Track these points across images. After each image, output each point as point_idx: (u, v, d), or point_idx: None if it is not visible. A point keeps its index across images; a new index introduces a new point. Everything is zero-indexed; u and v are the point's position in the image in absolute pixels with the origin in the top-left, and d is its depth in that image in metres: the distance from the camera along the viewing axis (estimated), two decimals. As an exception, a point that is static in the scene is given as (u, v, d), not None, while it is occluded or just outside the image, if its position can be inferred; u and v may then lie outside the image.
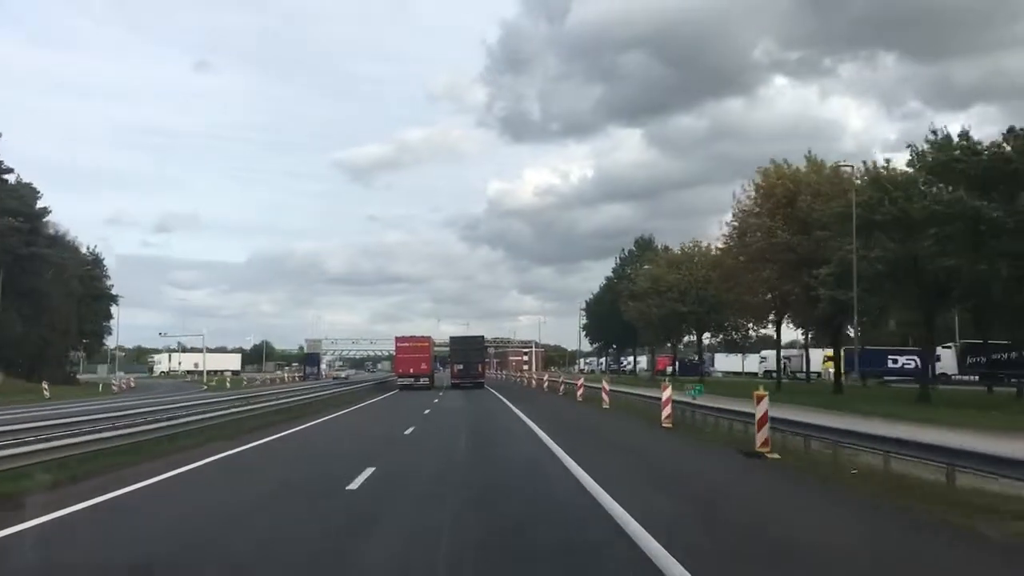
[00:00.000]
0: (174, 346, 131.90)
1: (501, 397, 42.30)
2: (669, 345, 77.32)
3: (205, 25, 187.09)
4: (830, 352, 68.17)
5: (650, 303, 56.65)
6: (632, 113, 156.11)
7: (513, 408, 31.95)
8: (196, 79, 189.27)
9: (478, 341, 65.49)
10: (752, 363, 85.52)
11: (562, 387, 46.60)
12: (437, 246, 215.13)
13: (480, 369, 59.66)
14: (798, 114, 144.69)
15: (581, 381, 41.77)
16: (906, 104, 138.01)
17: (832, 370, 62.48)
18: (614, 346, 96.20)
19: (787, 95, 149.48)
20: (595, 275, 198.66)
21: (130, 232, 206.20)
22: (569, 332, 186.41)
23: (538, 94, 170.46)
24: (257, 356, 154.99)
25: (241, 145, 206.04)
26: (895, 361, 60.64)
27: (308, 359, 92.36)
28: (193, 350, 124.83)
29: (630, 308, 59.58)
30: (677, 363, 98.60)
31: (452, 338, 66.32)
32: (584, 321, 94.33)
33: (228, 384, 69.42)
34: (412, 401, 38.60)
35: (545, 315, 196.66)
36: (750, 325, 57.21)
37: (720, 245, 46.50)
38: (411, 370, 55.62)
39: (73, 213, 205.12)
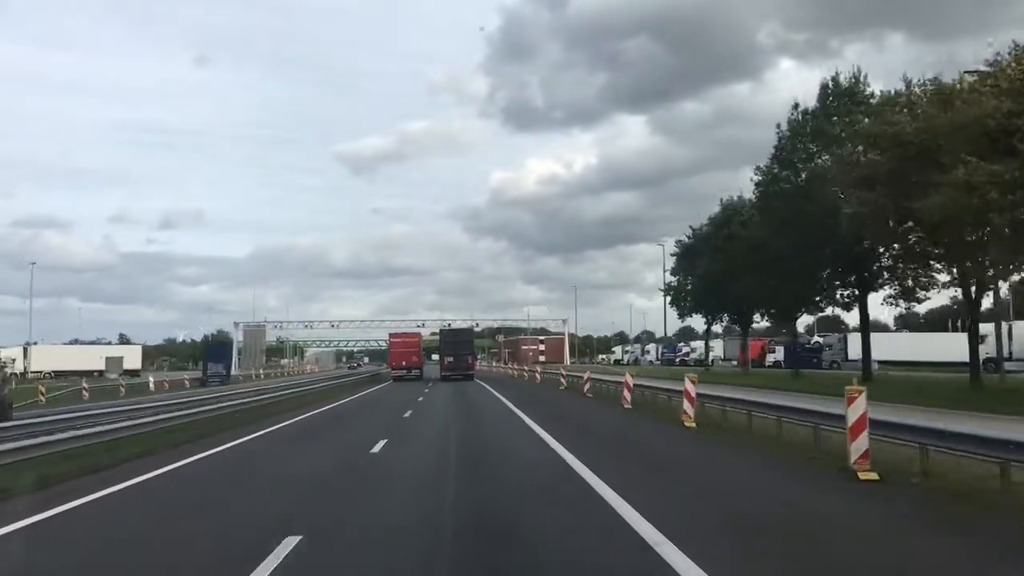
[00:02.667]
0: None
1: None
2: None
3: (204, 21, 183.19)
4: None
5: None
6: (636, 100, 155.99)
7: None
8: (196, 75, 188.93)
9: (467, 334, 65.15)
10: (933, 347, 53.36)
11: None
12: (441, 238, 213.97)
13: (470, 361, 58.08)
14: (805, 97, 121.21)
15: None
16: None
17: None
18: (725, 316, 57.54)
19: (793, 78, 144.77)
20: (600, 264, 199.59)
21: (135, 230, 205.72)
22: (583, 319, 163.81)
23: (541, 82, 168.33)
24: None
25: (242, 140, 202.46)
26: None
27: (211, 352, 59.11)
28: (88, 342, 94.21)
29: (934, 201, 19.76)
30: (782, 349, 66.94)
31: (442, 331, 66.86)
32: (671, 280, 56.80)
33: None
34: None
35: (551, 303, 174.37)
36: None
37: None
38: (403, 363, 58.64)
39: (77, 212, 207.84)
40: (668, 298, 54.32)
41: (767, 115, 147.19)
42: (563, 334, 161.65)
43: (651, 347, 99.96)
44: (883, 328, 76.75)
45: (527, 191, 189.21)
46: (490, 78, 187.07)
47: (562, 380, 35.20)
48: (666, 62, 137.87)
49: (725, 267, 40.86)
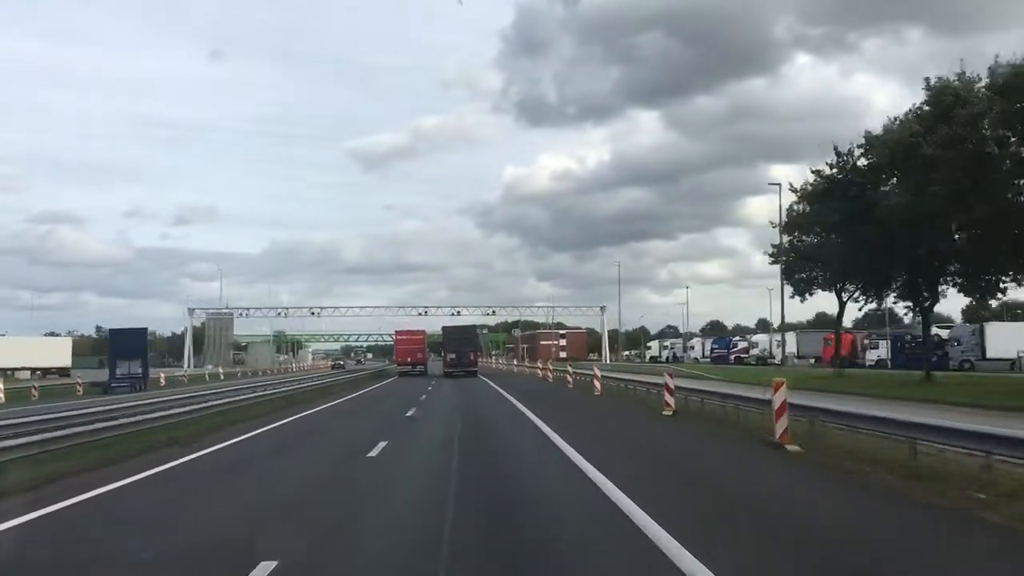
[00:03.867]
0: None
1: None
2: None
3: (217, 16, 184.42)
4: None
5: None
6: (651, 95, 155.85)
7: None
8: (209, 71, 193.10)
9: (470, 331, 64.72)
10: None
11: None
12: (453, 234, 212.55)
13: (472, 358, 56.86)
14: (821, 92, 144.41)
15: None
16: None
17: None
18: (880, 290, 35.53)
19: (809, 73, 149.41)
20: (614, 261, 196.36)
21: (149, 225, 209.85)
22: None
23: (554, 77, 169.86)
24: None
25: (256, 136, 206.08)
26: None
27: (118, 347, 41.42)
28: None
29: None
30: (887, 344, 53.20)
31: (444, 328, 66.39)
32: (779, 237, 39.70)
33: None
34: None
35: (564, 299, 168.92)
36: None
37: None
38: (408, 359, 60.87)
39: (92, 207, 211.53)
40: (780, 266, 38.76)
41: (782, 110, 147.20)
42: (582, 329, 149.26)
43: (695, 342, 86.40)
44: (946, 321, 62.53)
45: (540, 187, 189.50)
46: (504, 73, 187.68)
47: (668, 401, 20.15)
48: (681, 57, 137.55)
49: (951, 191, 25.03)
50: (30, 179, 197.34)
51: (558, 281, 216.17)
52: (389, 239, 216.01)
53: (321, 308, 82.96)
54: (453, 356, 55.44)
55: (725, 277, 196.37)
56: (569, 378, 39.71)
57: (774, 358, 64.74)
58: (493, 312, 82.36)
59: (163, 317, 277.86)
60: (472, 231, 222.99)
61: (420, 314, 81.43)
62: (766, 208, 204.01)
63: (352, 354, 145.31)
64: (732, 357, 73.27)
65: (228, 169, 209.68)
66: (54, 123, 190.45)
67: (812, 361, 61.15)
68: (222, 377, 59.41)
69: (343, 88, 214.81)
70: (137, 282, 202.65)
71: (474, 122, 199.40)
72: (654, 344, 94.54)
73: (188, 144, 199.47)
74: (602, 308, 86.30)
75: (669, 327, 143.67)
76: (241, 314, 76.54)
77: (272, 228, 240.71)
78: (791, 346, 64.68)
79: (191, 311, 77.37)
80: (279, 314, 78.99)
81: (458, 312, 79.89)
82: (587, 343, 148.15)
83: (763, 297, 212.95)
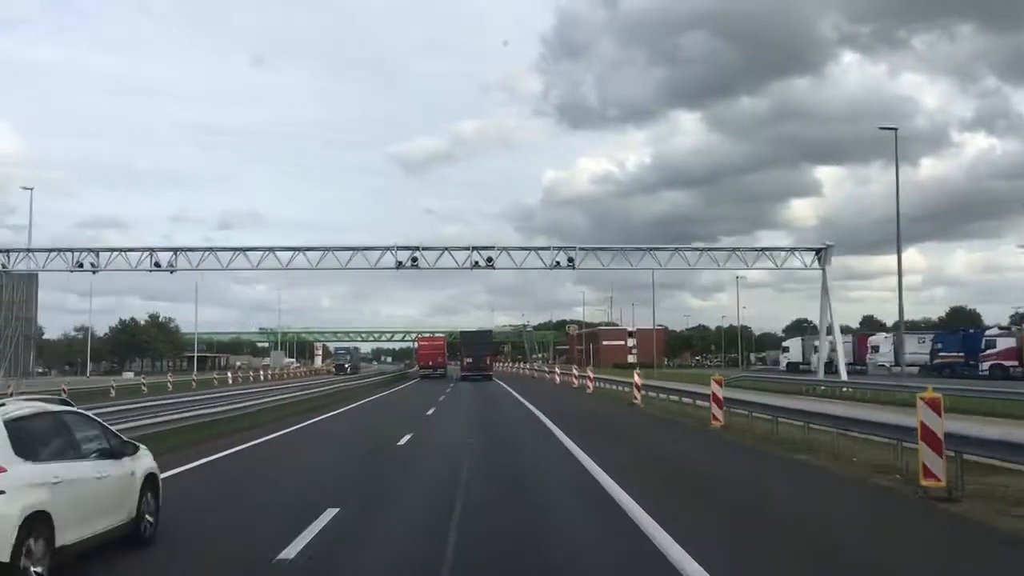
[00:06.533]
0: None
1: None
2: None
3: (261, 24, 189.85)
4: None
5: None
6: (693, 96, 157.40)
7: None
8: (253, 77, 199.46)
9: (486, 336, 68.24)
10: None
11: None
12: (492, 237, 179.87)
13: (488, 362, 60.43)
14: (868, 92, 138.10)
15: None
16: (983, 80, 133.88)
17: None
18: None
19: (856, 72, 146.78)
20: (654, 264, 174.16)
21: (193, 229, 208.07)
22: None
23: (595, 80, 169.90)
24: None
25: (297, 141, 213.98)
26: None
27: None
28: None
29: None
30: None
31: (462, 333, 70.30)
32: None
33: None
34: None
35: (603, 303, 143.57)
36: None
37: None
38: (429, 363, 66.50)
39: (138, 211, 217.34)
40: None
41: (828, 111, 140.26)
42: (657, 327, 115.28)
43: (879, 339, 50.46)
44: None
45: (580, 190, 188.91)
46: (544, 76, 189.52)
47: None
48: (724, 57, 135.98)
49: None
50: (78, 184, 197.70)
51: (595, 284, 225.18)
52: (429, 243, 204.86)
53: (209, 251, 49.30)
54: (470, 360, 58.34)
55: (767, 281, 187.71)
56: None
57: None
58: (570, 261, 48.38)
59: (209, 321, 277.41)
60: (511, 235, 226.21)
61: (404, 265, 49.42)
62: (811, 210, 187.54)
63: (334, 355, 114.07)
64: (987, 366, 37.55)
65: (269, 174, 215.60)
66: (102, 129, 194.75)
67: None
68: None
69: (384, 93, 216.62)
70: (181, 286, 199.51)
71: (514, 126, 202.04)
72: (792, 344, 58.16)
73: (231, 149, 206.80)
74: (820, 251, 45.53)
75: (742, 325, 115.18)
76: (25, 256, 42.58)
77: (313, 232, 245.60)
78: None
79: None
80: (80, 263, 44.63)
81: (489, 261, 47.02)
82: (664, 343, 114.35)
83: (803, 301, 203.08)
